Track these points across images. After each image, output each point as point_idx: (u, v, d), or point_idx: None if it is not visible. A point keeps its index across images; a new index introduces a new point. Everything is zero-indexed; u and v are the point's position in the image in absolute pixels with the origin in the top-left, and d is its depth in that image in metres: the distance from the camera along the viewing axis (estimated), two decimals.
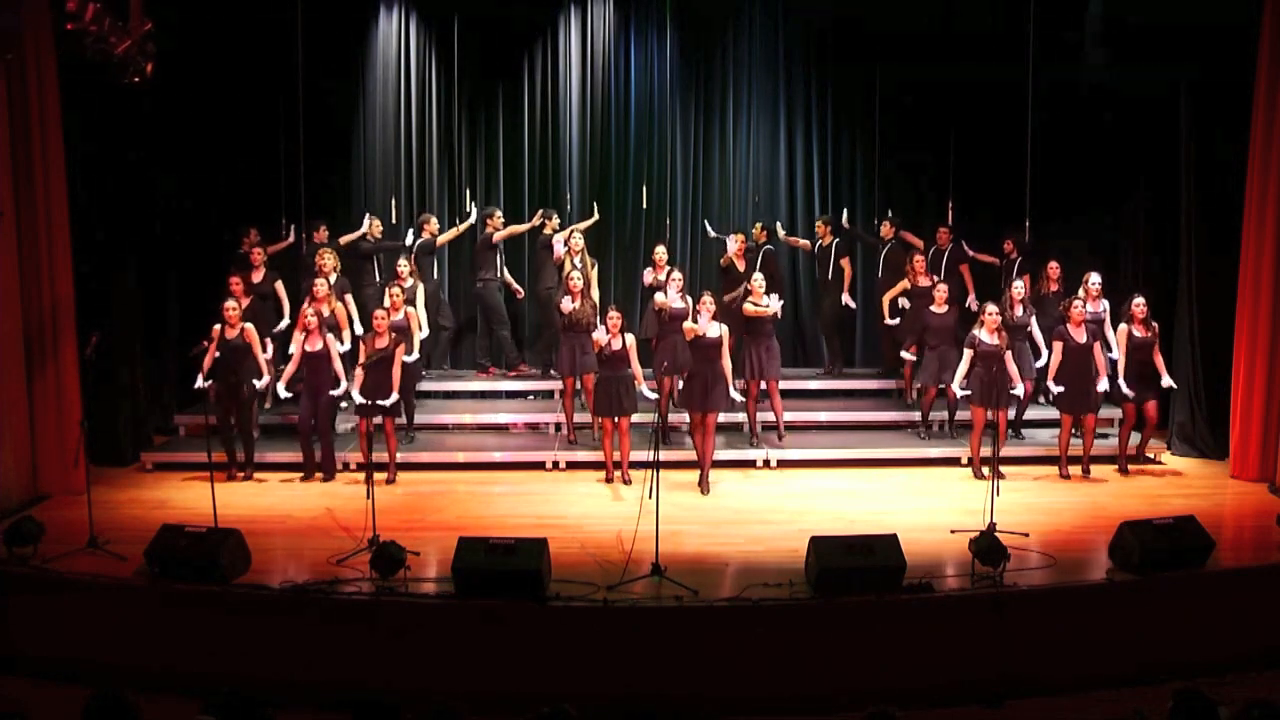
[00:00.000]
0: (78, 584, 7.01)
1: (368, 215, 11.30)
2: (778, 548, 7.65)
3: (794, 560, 7.15)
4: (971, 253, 11.18)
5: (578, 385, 10.04)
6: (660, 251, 10.76)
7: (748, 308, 9.73)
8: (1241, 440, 9.46)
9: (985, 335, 9.27)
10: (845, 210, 11.81)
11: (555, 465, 9.85)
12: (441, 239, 11.33)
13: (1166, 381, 9.52)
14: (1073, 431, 9.58)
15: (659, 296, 9.96)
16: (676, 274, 10.00)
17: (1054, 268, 10.36)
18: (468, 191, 11.99)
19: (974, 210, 11.24)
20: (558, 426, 10.47)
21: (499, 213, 11.29)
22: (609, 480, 9.30)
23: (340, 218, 11.45)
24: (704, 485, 8.99)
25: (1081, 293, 9.76)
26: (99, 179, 9.48)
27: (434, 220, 11.32)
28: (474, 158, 12.17)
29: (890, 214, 11.60)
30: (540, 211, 11.35)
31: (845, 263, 11.24)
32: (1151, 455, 9.90)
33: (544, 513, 8.60)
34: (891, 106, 11.71)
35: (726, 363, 9.01)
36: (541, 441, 10.37)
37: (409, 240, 11.33)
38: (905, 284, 10.72)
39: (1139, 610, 6.92)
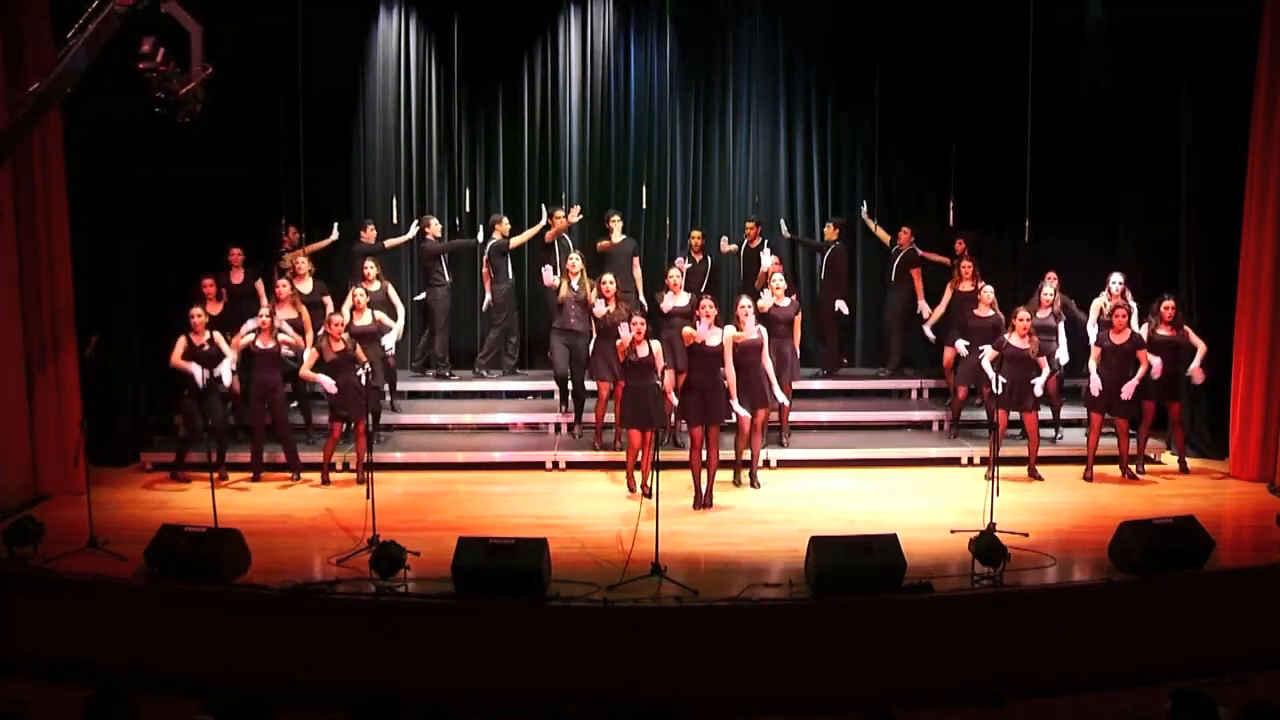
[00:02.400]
0: (78, 584, 7.01)
1: (430, 217, 11.30)
2: (778, 548, 7.66)
3: (794, 560, 7.16)
4: (921, 252, 11.25)
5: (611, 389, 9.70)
6: (674, 274, 10.10)
7: (760, 304, 9.57)
8: (1241, 440, 9.46)
9: (1015, 340, 9.27)
10: (784, 218, 11.88)
11: (555, 465, 9.85)
12: (515, 240, 11.18)
13: (1195, 373, 9.46)
14: (1102, 432, 9.60)
15: (729, 328, 8.92)
16: (745, 300, 8.96)
17: (1051, 278, 10.34)
18: (467, 191, 11.99)
19: (974, 210, 11.23)
20: (558, 427, 10.42)
21: (560, 211, 11.20)
22: (640, 495, 8.74)
23: (340, 218, 11.44)
24: (708, 498, 8.64)
25: (1106, 295, 9.80)
26: (99, 179, 9.47)
27: (506, 221, 11.22)
28: (474, 158, 12.17)
29: (833, 217, 11.62)
30: (611, 214, 11.21)
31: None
32: (1151, 455, 9.90)
33: (544, 513, 8.60)
34: (891, 106, 11.70)
35: (730, 372, 8.67)
36: (541, 441, 10.36)
37: (479, 239, 11.37)
38: (951, 287, 10.65)
39: (1139, 610, 6.92)
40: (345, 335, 9.24)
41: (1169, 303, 9.46)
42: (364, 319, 9.76)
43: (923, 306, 11.02)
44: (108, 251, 9.69)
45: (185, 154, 10.29)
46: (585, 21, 11.98)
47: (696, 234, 11.11)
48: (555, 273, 10.38)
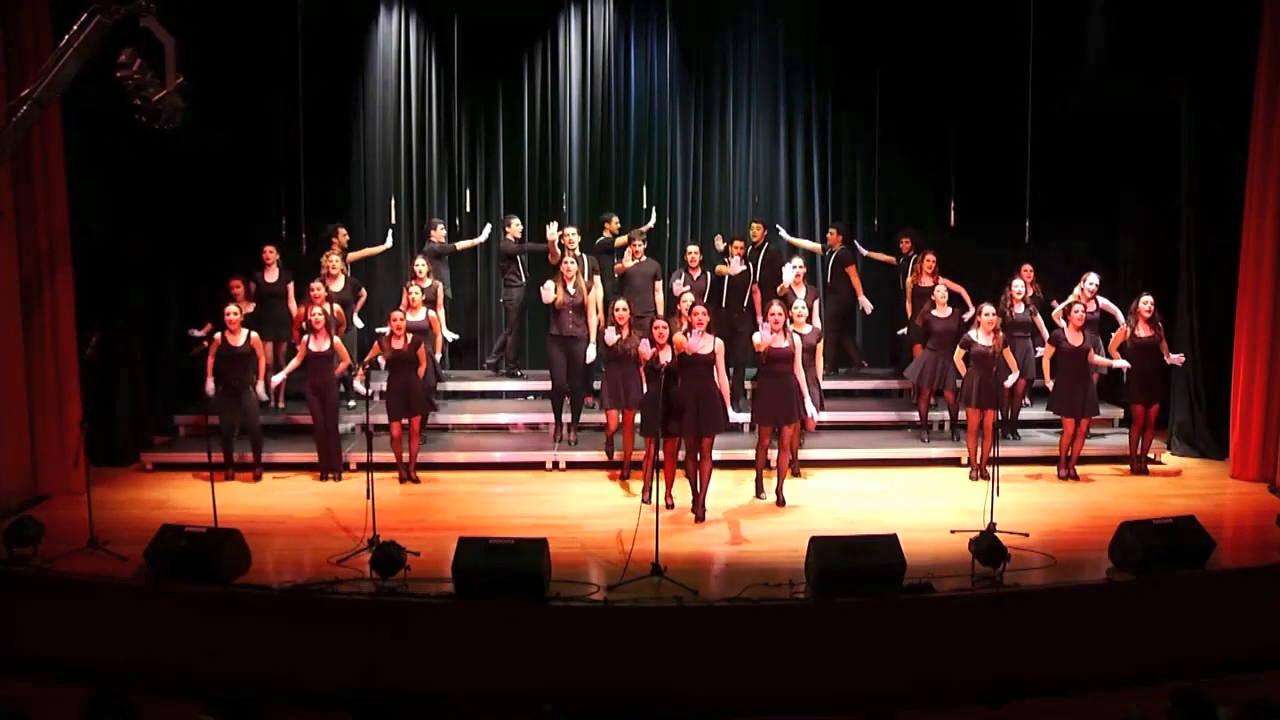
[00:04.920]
0: (78, 584, 7.01)
1: (513, 216, 11.22)
2: (778, 548, 7.66)
3: (794, 560, 7.15)
4: (866, 252, 11.36)
5: (620, 419, 9.38)
6: (688, 298, 9.15)
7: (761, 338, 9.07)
8: (1241, 440, 9.46)
9: (980, 336, 9.26)
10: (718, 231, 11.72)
11: (555, 465, 9.84)
12: (620, 240, 11.06)
13: (1171, 358, 9.42)
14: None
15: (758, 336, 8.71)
16: (777, 307, 8.63)
17: (1027, 270, 10.34)
18: (467, 192, 12.00)
19: (974, 210, 11.22)
20: (558, 437, 10.18)
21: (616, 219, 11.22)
22: (670, 506, 8.26)
23: (340, 218, 11.45)
24: (699, 511, 8.31)
25: (1077, 293, 9.80)
26: (98, 180, 9.47)
27: (615, 219, 11.19)
28: (474, 158, 12.19)
29: (755, 217, 11.50)
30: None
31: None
32: (1152, 455, 9.90)
33: (544, 513, 8.60)
34: (892, 106, 11.70)
35: (722, 380, 8.30)
36: (541, 441, 10.36)
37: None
38: (909, 283, 10.68)
39: (1139, 610, 6.93)
40: (407, 334, 9.26)
41: (1147, 300, 9.44)
42: (418, 315, 9.73)
43: (864, 302, 10.98)
44: (108, 251, 9.68)
45: (185, 154, 10.33)
46: (585, 21, 12.00)
47: (693, 249, 10.40)
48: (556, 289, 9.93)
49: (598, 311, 10.00)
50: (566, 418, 10.13)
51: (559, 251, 10.16)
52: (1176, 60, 10.02)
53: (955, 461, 9.83)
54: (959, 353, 9.35)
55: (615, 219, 11.17)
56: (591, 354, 9.90)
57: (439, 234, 11.15)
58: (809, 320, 9.44)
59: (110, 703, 4.58)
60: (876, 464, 9.83)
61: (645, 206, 11.88)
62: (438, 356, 9.96)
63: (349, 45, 11.75)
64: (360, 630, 6.66)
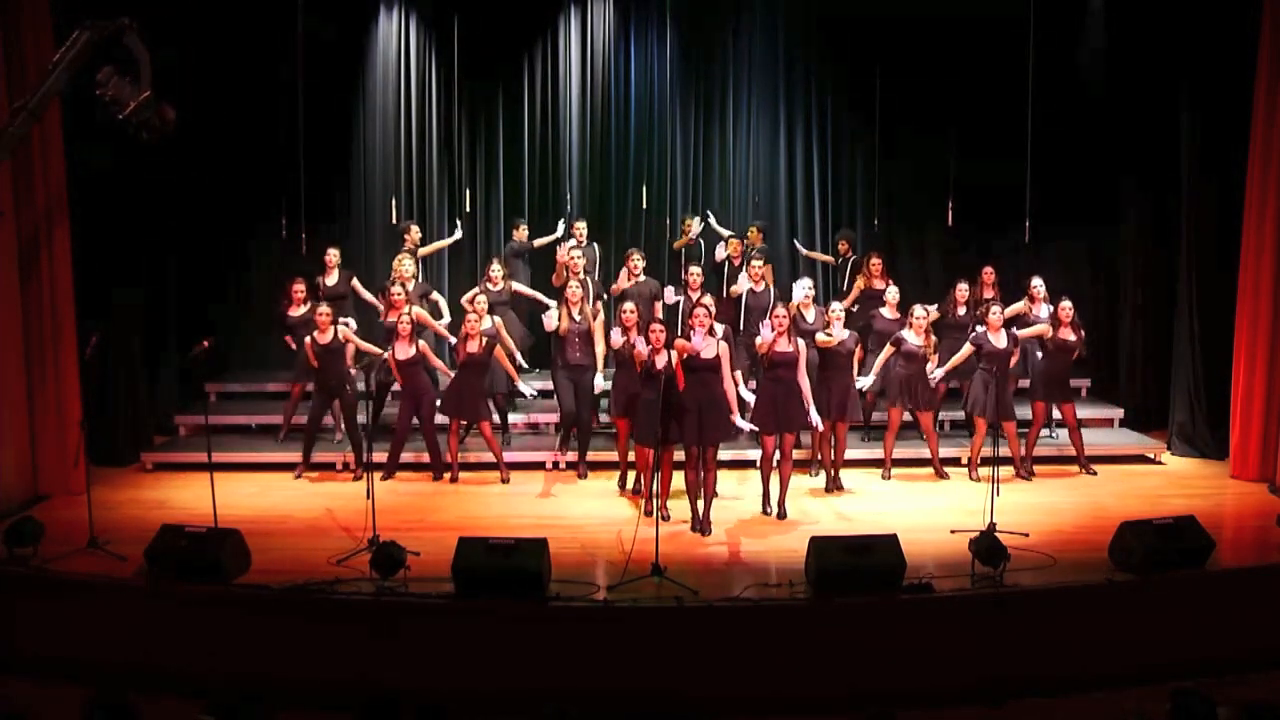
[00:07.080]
0: (78, 584, 7.01)
1: (579, 222, 11.19)
2: (778, 548, 7.67)
3: (794, 560, 7.15)
4: (805, 251, 11.39)
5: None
6: (701, 313, 8.08)
7: (820, 339, 8.96)
8: (1241, 440, 9.47)
9: (910, 335, 9.24)
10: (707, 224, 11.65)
11: (555, 465, 9.84)
12: (677, 243, 11.09)
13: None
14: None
15: (821, 336, 8.82)
16: (782, 309, 8.40)
17: (988, 273, 10.32)
18: (467, 192, 12.00)
19: (973, 211, 11.22)
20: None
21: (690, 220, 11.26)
22: (649, 514, 8.16)
23: (340, 218, 11.45)
24: (705, 525, 8.05)
25: (1026, 299, 9.83)
26: (99, 179, 9.48)
27: (696, 221, 11.22)
28: (474, 158, 12.19)
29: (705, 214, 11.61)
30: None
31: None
32: (1151, 455, 9.90)
33: (544, 513, 8.60)
34: (892, 106, 11.70)
35: (729, 385, 8.03)
36: (541, 441, 10.36)
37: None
38: (860, 285, 10.63)
39: (1139, 610, 6.92)
40: (483, 338, 9.28)
41: (1067, 305, 9.43)
42: (484, 323, 9.50)
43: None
44: (108, 252, 9.68)
45: (185, 154, 10.33)
46: (585, 21, 12.01)
47: (695, 270, 9.88)
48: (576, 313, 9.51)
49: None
50: (572, 454, 9.78)
51: (564, 274, 9.90)
52: (1176, 60, 10.03)
53: (955, 462, 9.83)
54: (888, 350, 9.30)
55: (696, 221, 11.16)
56: (600, 383, 9.35)
57: (521, 233, 11.19)
58: (845, 325, 9.09)
59: (110, 703, 4.58)
60: (876, 464, 9.81)
61: (645, 207, 11.87)
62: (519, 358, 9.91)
63: (349, 45, 11.75)
64: (360, 630, 6.66)
